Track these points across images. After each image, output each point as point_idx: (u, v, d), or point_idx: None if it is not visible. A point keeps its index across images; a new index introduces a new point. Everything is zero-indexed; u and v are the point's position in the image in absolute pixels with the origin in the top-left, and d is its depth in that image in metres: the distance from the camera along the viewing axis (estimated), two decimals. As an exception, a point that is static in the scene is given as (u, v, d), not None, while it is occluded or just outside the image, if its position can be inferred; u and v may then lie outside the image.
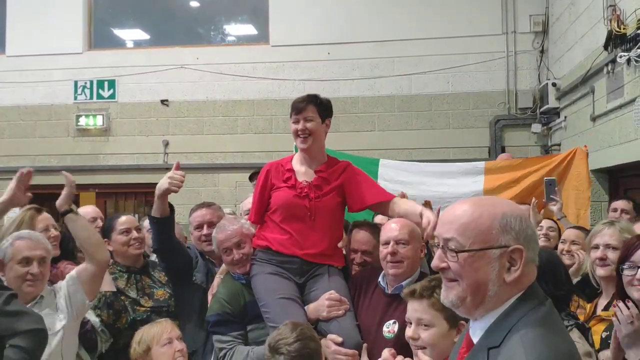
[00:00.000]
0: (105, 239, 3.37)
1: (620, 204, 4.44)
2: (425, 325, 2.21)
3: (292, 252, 3.02)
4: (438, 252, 1.56)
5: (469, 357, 1.53)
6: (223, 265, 3.22)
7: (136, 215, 3.49)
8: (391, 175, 5.52)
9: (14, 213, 3.33)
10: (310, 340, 2.34)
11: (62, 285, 2.85)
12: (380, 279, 2.94)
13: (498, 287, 1.47)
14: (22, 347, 2.32)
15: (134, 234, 3.38)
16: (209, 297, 3.17)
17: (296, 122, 3.10)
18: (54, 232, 3.27)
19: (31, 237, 2.80)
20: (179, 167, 3.16)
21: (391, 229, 2.89)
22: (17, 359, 2.32)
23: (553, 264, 2.61)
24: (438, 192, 5.05)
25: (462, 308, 1.53)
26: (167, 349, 2.74)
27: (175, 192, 3.11)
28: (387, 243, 2.86)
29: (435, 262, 1.56)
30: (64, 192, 2.90)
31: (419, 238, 2.90)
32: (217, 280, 3.23)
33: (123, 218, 3.45)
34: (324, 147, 3.19)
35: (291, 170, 3.13)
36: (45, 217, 3.28)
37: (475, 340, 1.53)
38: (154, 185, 3.15)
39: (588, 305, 2.98)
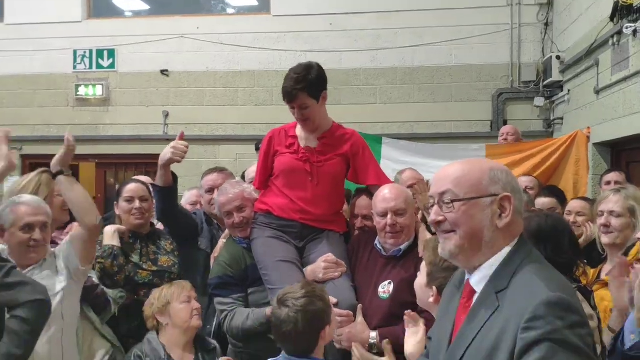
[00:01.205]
0: (115, 202, 3.44)
1: (613, 176, 4.41)
2: (419, 273, 2.27)
3: (291, 217, 3.04)
4: (434, 209, 1.68)
5: (477, 304, 1.62)
6: (227, 230, 3.26)
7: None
8: (393, 155, 5.59)
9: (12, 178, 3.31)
10: (319, 300, 2.34)
11: (61, 249, 2.84)
12: (376, 241, 2.97)
13: (492, 233, 1.61)
14: (23, 318, 2.32)
15: (137, 203, 3.35)
16: (212, 261, 3.21)
17: (292, 108, 3.05)
18: None
19: (31, 202, 2.78)
20: (183, 137, 3.17)
21: (386, 198, 2.88)
22: (17, 329, 2.31)
23: (557, 231, 2.57)
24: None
25: (461, 256, 1.64)
26: (185, 306, 2.93)
27: (179, 162, 3.13)
28: (384, 214, 2.86)
29: (432, 217, 1.69)
30: (59, 153, 2.84)
31: (412, 202, 2.93)
32: (220, 244, 3.27)
33: (131, 186, 3.43)
34: (326, 115, 3.16)
35: (294, 136, 3.12)
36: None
37: (477, 289, 1.64)
38: (154, 156, 3.16)
39: (592, 271, 3.00)
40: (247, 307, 3.01)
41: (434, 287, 2.13)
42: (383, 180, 3.15)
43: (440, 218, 1.65)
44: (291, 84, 2.98)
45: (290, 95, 2.99)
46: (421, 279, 2.22)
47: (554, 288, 1.48)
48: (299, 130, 3.14)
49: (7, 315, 2.37)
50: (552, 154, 5.51)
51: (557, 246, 2.51)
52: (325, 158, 3.07)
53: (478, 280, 1.64)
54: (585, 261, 3.01)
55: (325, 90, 3.07)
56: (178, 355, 2.91)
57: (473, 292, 1.65)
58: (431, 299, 2.14)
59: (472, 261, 1.64)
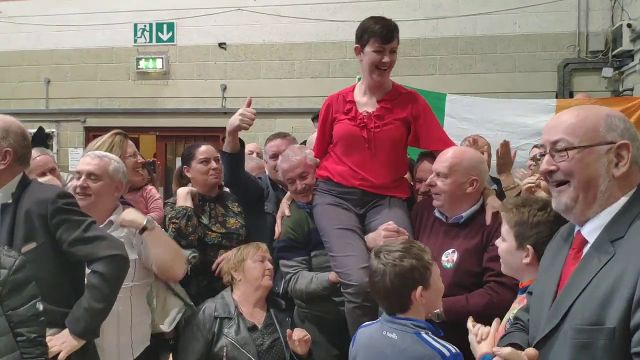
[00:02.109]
0: (185, 166, 3.48)
1: None
2: (502, 239, 2.21)
3: (351, 184, 3.02)
4: (546, 158, 1.63)
5: (589, 253, 1.57)
6: (288, 193, 3.30)
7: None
8: (458, 112, 5.33)
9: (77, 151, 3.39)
10: (412, 258, 2.24)
11: (139, 244, 2.83)
12: (436, 209, 2.89)
13: (608, 182, 1.56)
14: (102, 273, 2.35)
15: (213, 164, 3.41)
16: (277, 220, 3.24)
17: (380, 51, 2.91)
18: (140, 159, 3.42)
19: (92, 154, 2.86)
20: (250, 104, 3.16)
21: (439, 159, 2.81)
22: (97, 284, 2.35)
23: None
24: (506, 131, 4.84)
25: (576, 209, 1.60)
26: (258, 265, 3.03)
27: (246, 129, 3.13)
28: (431, 172, 2.83)
29: (543, 167, 1.63)
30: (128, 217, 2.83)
31: (465, 171, 2.76)
32: (284, 204, 3.29)
33: (203, 147, 3.47)
34: None
35: (352, 101, 3.06)
36: (132, 143, 3.36)
37: (590, 239, 1.59)
38: (213, 129, 3.16)
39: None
40: (310, 269, 3.05)
41: (529, 246, 2.06)
42: (448, 143, 3.04)
43: (553, 167, 1.62)
44: (387, 23, 2.91)
45: (390, 34, 2.89)
46: (507, 244, 2.14)
47: None
48: (357, 95, 3.08)
49: (88, 270, 2.41)
50: (630, 115, 5.20)
51: None
52: (382, 123, 3.00)
53: (591, 229, 1.60)
54: None
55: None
56: (249, 311, 3.00)
57: (584, 242, 1.61)
58: (526, 260, 2.06)
59: (586, 213, 1.60)
